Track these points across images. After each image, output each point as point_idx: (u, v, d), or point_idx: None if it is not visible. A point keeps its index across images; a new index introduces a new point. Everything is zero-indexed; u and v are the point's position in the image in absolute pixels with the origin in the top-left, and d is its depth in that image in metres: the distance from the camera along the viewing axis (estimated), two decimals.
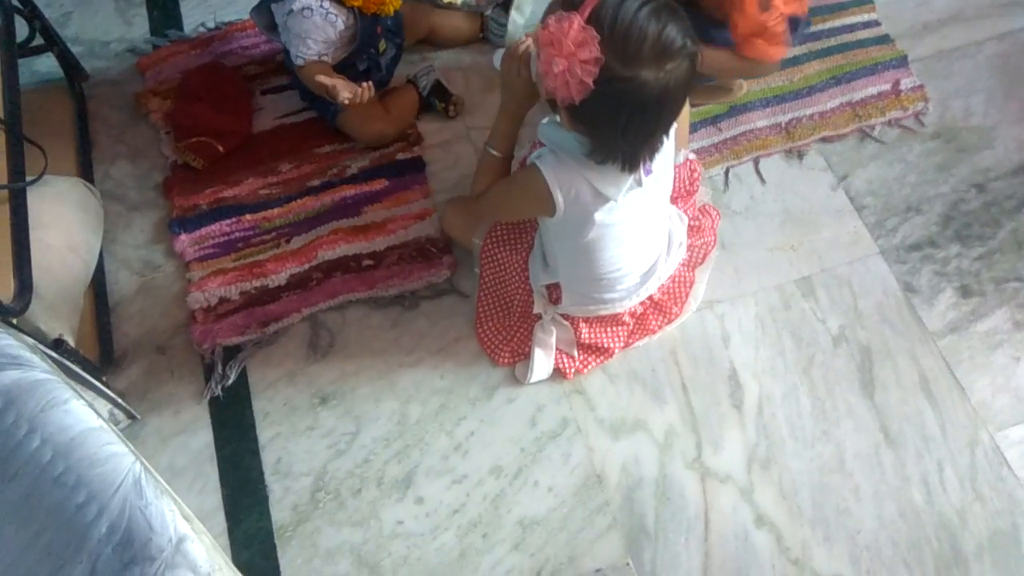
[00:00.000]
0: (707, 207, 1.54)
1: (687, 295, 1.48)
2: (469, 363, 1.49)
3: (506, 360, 1.49)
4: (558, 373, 1.47)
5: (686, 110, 1.46)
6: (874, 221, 1.63)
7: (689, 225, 1.46)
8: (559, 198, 1.17)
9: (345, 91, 1.43)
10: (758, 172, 1.69)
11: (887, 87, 1.77)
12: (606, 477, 1.40)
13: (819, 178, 1.69)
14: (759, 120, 1.76)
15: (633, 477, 1.40)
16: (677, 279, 1.47)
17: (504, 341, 1.48)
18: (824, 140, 1.73)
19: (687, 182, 1.49)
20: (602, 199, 1.17)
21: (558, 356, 1.47)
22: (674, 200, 1.46)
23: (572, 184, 1.16)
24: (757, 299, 1.55)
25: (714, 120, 1.76)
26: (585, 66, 0.97)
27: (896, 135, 1.73)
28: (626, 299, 1.38)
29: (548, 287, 1.43)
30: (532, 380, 1.45)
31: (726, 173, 1.70)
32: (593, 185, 1.16)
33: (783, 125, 1.75)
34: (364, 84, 1.45)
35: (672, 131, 1.15)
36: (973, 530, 1.36)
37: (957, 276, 1.57)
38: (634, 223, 1.25)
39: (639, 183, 1.17)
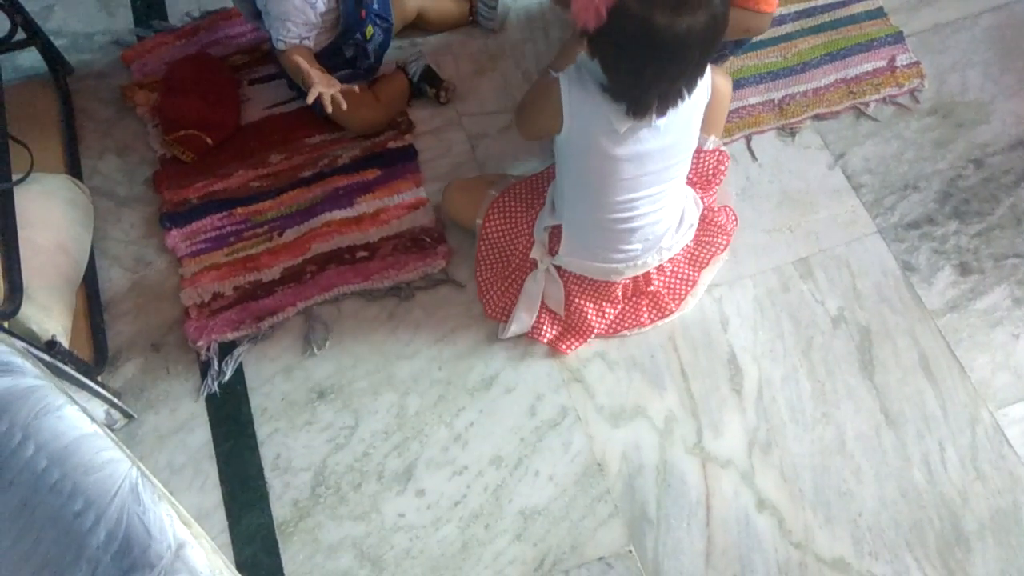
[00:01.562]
0: (727, 208, 1.51)
1: (686, 293, 1.46)
2: (467, 354, 1.48)
3: (493, 314, 1.49)
4: (540, 337, 1.47)
5: (727, 96, 1.44)
6: (872, 199, 1.62)
7: (703, 215, 1.44)
8: (566, 114, 1.17)
9: (320, 85, 1.38)
10: (750, 150, 1.68)
11: (882, 63, 1.75)
12: (607, 465, 1.40)
13: (816, 157, 1.67)
14: (752, 97, 1.74)
15: (634, 464, 1.40)
16: (679, 275, 1.45)
17: (496, 293, 1.48)
18: (818, 117, 1.71)
19: (711, 171, 1.47)
20: (609, 127, 1.16)
21: (545, 317, 1.46)
22: (693, 184, 1.45)
23: (584, 103, 1.16)
24: (755, 281, 1.54)
25: None
26: None
27: (891, 112, 1.71)
28: (624, 265, 1.37)
29: (550, 237, 1.42)
30: (508, 335, 1.46)
31: None
32: (603, 111, 1.15)
33: (776, 102, 1.73)
34: (336, 91, 1.40)
35: (696, 96, 1.14)
36: (975, 509, 1.36)
37: (956, 253, 1.56)
38: (643, 172, 1.23)
39: (649, 124, 1.16)
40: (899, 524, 1.35)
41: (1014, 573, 1.31)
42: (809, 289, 1.54)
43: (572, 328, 1.47)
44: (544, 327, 1.47)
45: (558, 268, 1.44)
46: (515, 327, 1.46)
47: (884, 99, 1.72)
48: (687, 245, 1.45)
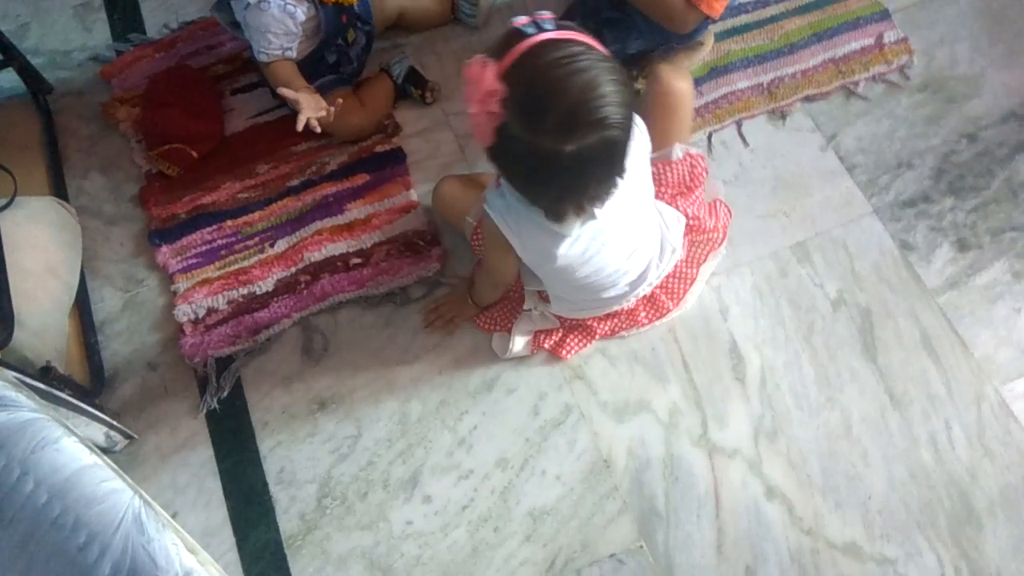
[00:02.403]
0: (717, 203, 1.48)
1: (685, 291, 1.45)
2: (467, 357, 1.47)
3: (485, 325, 1.47)
4: (539, 348, 1.46)
5: (686, 98, 1.41)
6: (866, 180, 1.61)
7: (689, 224, 1.42)
8: (513, 240, 1.14)
9: (308, 111, 1.37)
10: (741, 135, 1.66)
11: (870, 41, 1.73)
12: (613, 461, 1.39)
13: (807, 139, 1.66)
14: (740, 81, 1.72)
15: (640, 459, 1.39)
16: (676, 275, 1.44)
17: (490, 313, 1.48)
18: (808, 99, 1.70)
19: (687, 178, 1.44)
20: (557, 236, 1.13)
21: (543, 335, 1.45)
22: (672, 198, 1.42)
23: (521, 225, 1.12)
24: (753, 269, 1.53)
25: (695, 83, 1.71)
26: (489, 117, 0.93)
27: (881, 90, 1.70)
28: (615, 304, 1.36)
29: (539, 293, 1.42)
30: (508, 357, 1.44)
31: (709, 138, 1.66)
32: (542, 224, 1.10)
33: (765, 85, 1.72)
34: (324, 113, 1.40)
35: (633, 156, 1.06)
36: (984, 486, 1.35)
37: (953, 230, 1.55)
38: (607, 246, 1.19)
39: (593, 216, 1.10)
40: (909, 505, 1.35)
41: None
42: (807, 273, 1.53)
43: (571, 334, 1.46)
44: (543, 341, 1.45)
45: None
46: (512, 353, 1.44)
47: (873, 77, 1.71)
48: (684, 251, 1.43)
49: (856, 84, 1.70)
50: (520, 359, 1.46)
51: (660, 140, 1.35)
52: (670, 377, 1.45)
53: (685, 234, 1.41)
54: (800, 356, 1.46)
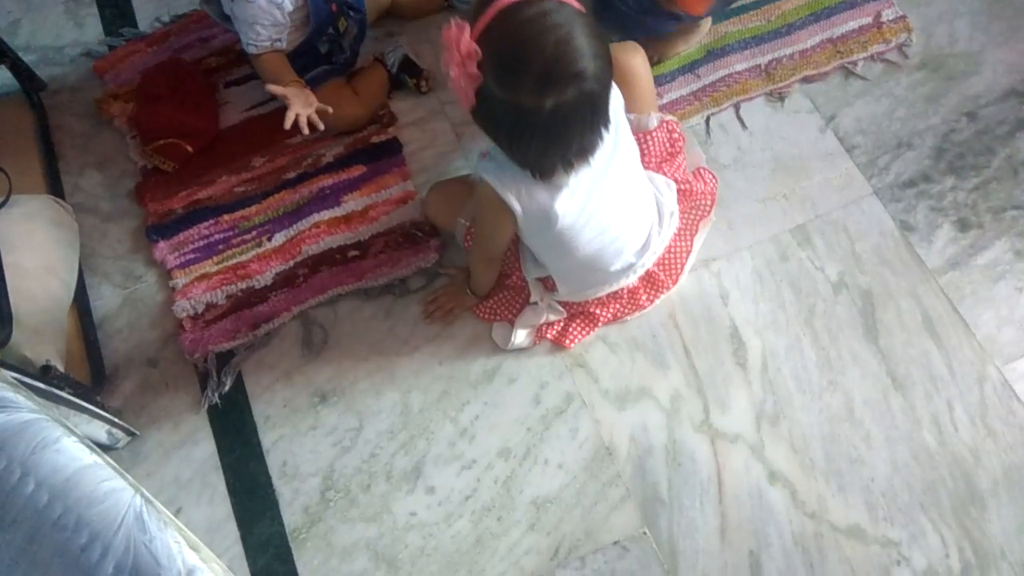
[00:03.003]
0: (701, 170, 1.48)
1: (682, 267, 1.45)
2: (467, 347, 1.47)
3: (485, 314, 1.47)
4: (541, 339, 1.46)
5: (645, 70, 1.40)
6: (865, 161, 1.60)
7: (680, 190, 1.42)
8: (513, 202, 1.13)
9: (297, 107, 1.36)
10: (739, 118, 1.65)
11: (868, 20, 1.72)
12: (615, 449, 1.39)
13: (806, 121, 1.64)
14: (738, 63, 1.71)
15: (642, 446, 1.39)
16: (671, 250, 1.43)
17: (490, 304, 1.47)
18: (806, 80, 1.68)
19: (667, 144, 1.44)
20: (553, 188, 1.12)
21: (545, 327, 1.45)
22: (658, 166, 1.42)
23: (518, 183, 1.12)
24: (753, 252, 1.52)
25: (692, 66, 1.71)
26: (469, 79, 0.94)
27: (880, 69, 1.68)
28: (623, 277, 1.35)
29: (543, 280, 1.41)
30: (511, 348, 1.44)
31: (707, 122, 1.65)
32: (536, 180, 1.11)
33: (763, 67, 1.70)
34: (313, 111, 1.38)
35: (618, 106, 1.09)
36: (987, 466, 1.35)
37: (954, 210, 1.54)
38: (605, 202, 1.20)
39: (588, 163, 1.10)
40: (912, 487, 1.34)
41: None
42: (808, 256, 1.52)
43: (573, 322, 1.45)
44: (545, 332, 1.45)
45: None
46: (514, 345, 1.44)
47: (872, 56, 1.69)
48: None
49: (854, 64, 1.69)
50: (521, 348, 1.46)
51: (631, 107, 1.33)
52: (671, 363, 1.44)
53: (678, 200, 1.41)
54: (801, 340, 1.45)
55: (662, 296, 1.46)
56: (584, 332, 1.45)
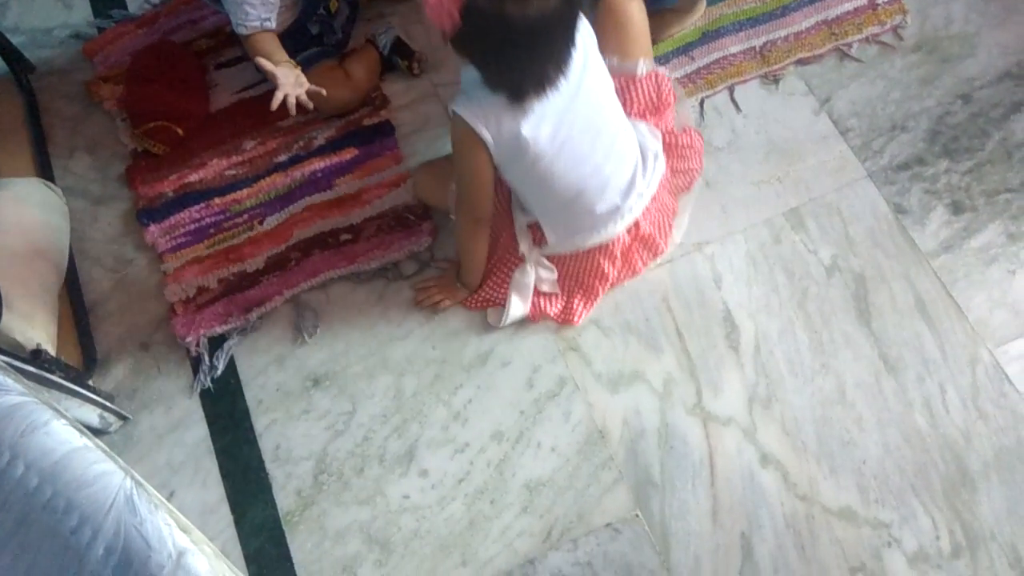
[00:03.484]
0: (689, 130, 1.47)
1: (670, 225, 1.45)
2: (460, 331, 1.47)
3: (475, 305, 1.47)
4: (543, 316, 1.45)
5: (640, 17, 1.39)
6: (860, 143, 1.59)
7: (666, 143, 1.41)
8: (483, 132, 1.16)
9: (286, 87, 1.35)
10: (733, 101, 1.64)
11: (863, 2, 1.71)
12: (608, 432, 1.39)
13: (801, 103, 1.64)
14: (732, 45, 1.70)
15: (635, 429, 1.39)
16: (663, 210, 1.43)
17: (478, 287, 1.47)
18: (800, 62, 1.68)
19: (654, 97, 1.42)
20: (522, 113, 1.16)
21: (544, 300, 1.44)
22: (642, 116, 1.41)
23: (487, 111, 1.16)
24: (746, 236, 1.52)
25: (687, 48, 1.70)
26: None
27: (875, 51, 1.67)
28: (611, 223, 1.34)
29: (530, 228, 1.40)
30: (506, 323, 1.44)
31: (701, 105, 1.64)
32: (506, 106, 1.15)
33: (758, 49, 1.69)
34: (303, 92, 1.38)
35: (581, 45, 1.14)
36: (978, 449, 1.36)
37: (947, 193, 1.54)
38: (578, 129, 1.21)
39: (561, 81, 1.15)
40: (903, 469, 1.35)
41: (1020, 510, 1.32)
42: (801, 239, 1.51)
43: (574, 297, 1.45)
44: (545, 307, 1.45)
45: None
46: (512, 316, 1.43)
47: (867, 38, 1.68)
48: (664, 178, 1.41)
49: (849, 46, 1.68)
50: (515, 331, 1.46)
51: (616, 53, 1.37)
52: (664, 347, 1.44)
53: (664, 151, 1.41)
54: (794, 323, 1.45)
55: (655, 261, 1.46)
56: (587, 305, 1.45)
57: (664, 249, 1.46)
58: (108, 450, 0.95)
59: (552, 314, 1.45)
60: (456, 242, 1.43)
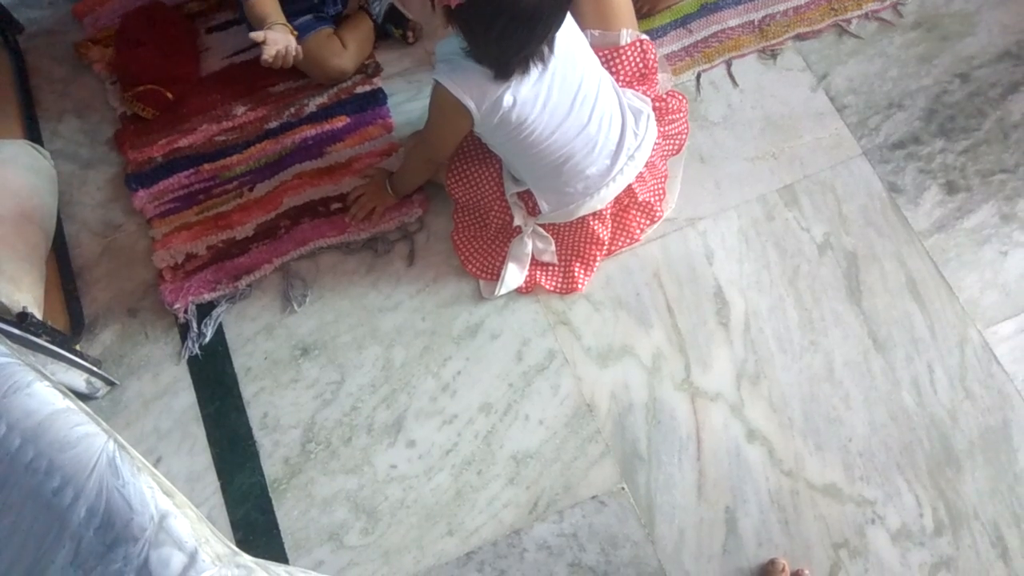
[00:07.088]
0: (673, 92, 1.48)
1: (663, 189, 1.45)
2: (450, 302, 1.46)
3: (474, 270, 1.47)
4: (536, 288, 1.45)
5: None
6: (856, 121, 1.58)
7: (655, 108, 1.40)
8: (468, 102, 1.17)
9: (271, 49, 1.35)
10: (730, 75, 1.63)
11: None
12: (596, 405, 1.39)
13: (798, 79, 1.62)
14: (731, 19, 1.68)
15: (623, 403, 1.39)
16: (658, 175, 1.43)
17: (476, 252, 1.47)
18: (799, 37, 1.66)
19: (639, 64, 1.41)
20: (503, 80, 1.16)
21: (539, 272, 1.44)
22: (627, 84, 1.40)
23: (470, 81, 1.17)
24: (739, 212, 1.51)
25: (684, 21, 1.68)
26: None
27: (874, 28, 1.66)
28: (603, 186, 1.33)
29: (523, 198, 1.40)
30: (501, 292, 1.44)
31: (698, 79, 1.63)
32: (488, 75, 1.16)
33: (756, 23, 1.67)
34: (288, 47, 1.38)
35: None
36: (964, 428, 1.36)
37: (942, 172, 1.53)
38: (557, 91, 1.21)
39: (548, 56, 1.17)
40: (889, 447, 1.36)
41: (1004, 490, 1.33)
42: (794, 217, 1.51)
43: (573, 265, 1.45)
44: (542, 280, 1.44)
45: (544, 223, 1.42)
46: (508, 286, 1.43)
47: (866, 15, 1.67)
48: (656, 143, 1.41)
49: (848, 22, 1.66)
50: (505, 304, 1.45)
51: (599, 25, 1.37)
52: (654, 322, 1.44)
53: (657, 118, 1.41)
54: (784, 300, 1.45)
55: (652, 228, 1.47)
56: (587, 271, 1.45)
57: (661, 214, 1.46)
58: (92, 413, 0.95)
59: (549, 287, 1.45)
60: (403, 161, 1.44)
